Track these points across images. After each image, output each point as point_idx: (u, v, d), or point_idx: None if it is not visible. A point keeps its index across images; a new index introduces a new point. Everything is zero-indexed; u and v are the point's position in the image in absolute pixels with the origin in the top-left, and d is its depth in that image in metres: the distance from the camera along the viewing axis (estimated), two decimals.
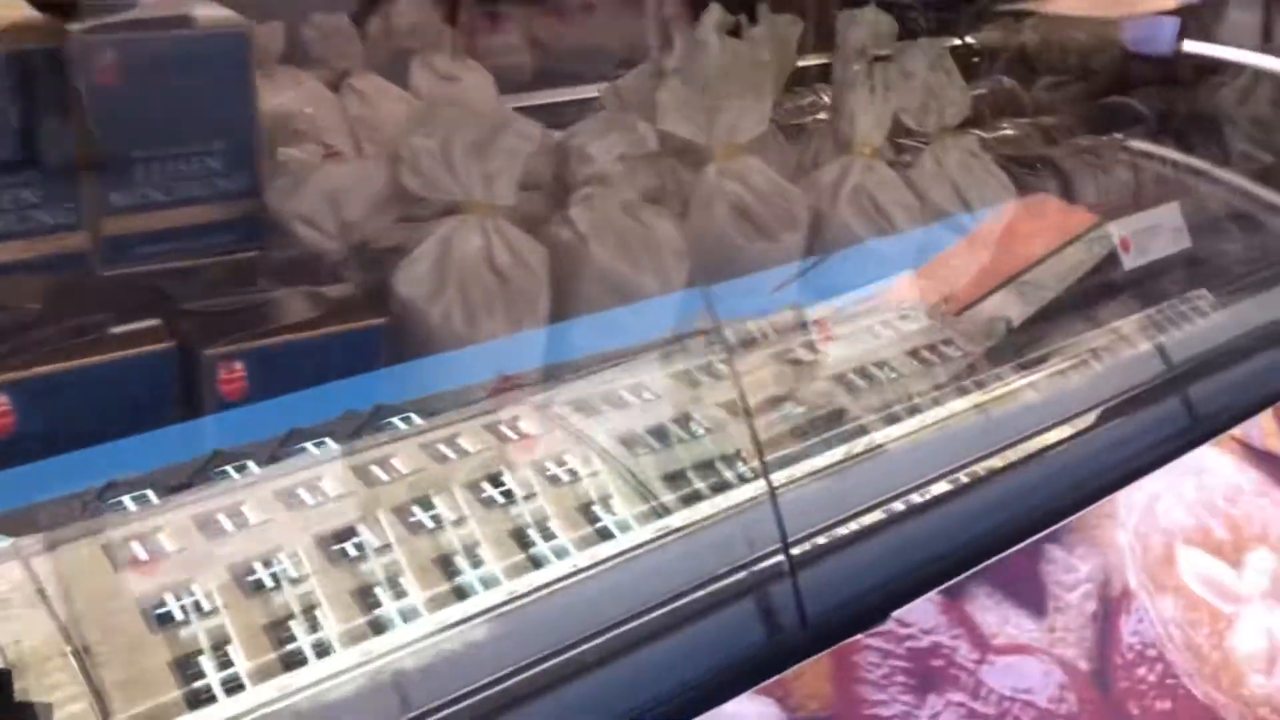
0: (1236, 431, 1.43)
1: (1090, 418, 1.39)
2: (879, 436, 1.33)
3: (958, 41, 2.63)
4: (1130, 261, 1.84)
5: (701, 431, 1.25)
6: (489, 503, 1.09)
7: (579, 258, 1.29)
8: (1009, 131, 2.03)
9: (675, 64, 1.46)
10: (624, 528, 1.11)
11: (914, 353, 1.45)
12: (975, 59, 2.59)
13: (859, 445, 1.30)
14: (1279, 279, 1.92)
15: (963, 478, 1.27)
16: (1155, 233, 1.89)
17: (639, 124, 1.39)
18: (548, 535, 1.07)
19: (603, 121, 1.38)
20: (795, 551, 1.18)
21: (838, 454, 1.28)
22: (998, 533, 1.20)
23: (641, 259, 1.31)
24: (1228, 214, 2.09)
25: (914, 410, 1.32)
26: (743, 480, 1.22)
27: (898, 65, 1.64)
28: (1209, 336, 1.73)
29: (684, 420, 1.27)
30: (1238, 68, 2.15)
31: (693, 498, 1.18)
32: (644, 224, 1.34)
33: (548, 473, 1.15)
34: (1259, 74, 2.10)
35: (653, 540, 1.11)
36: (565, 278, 1.29)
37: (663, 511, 1.14)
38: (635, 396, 1.24)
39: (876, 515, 1.24)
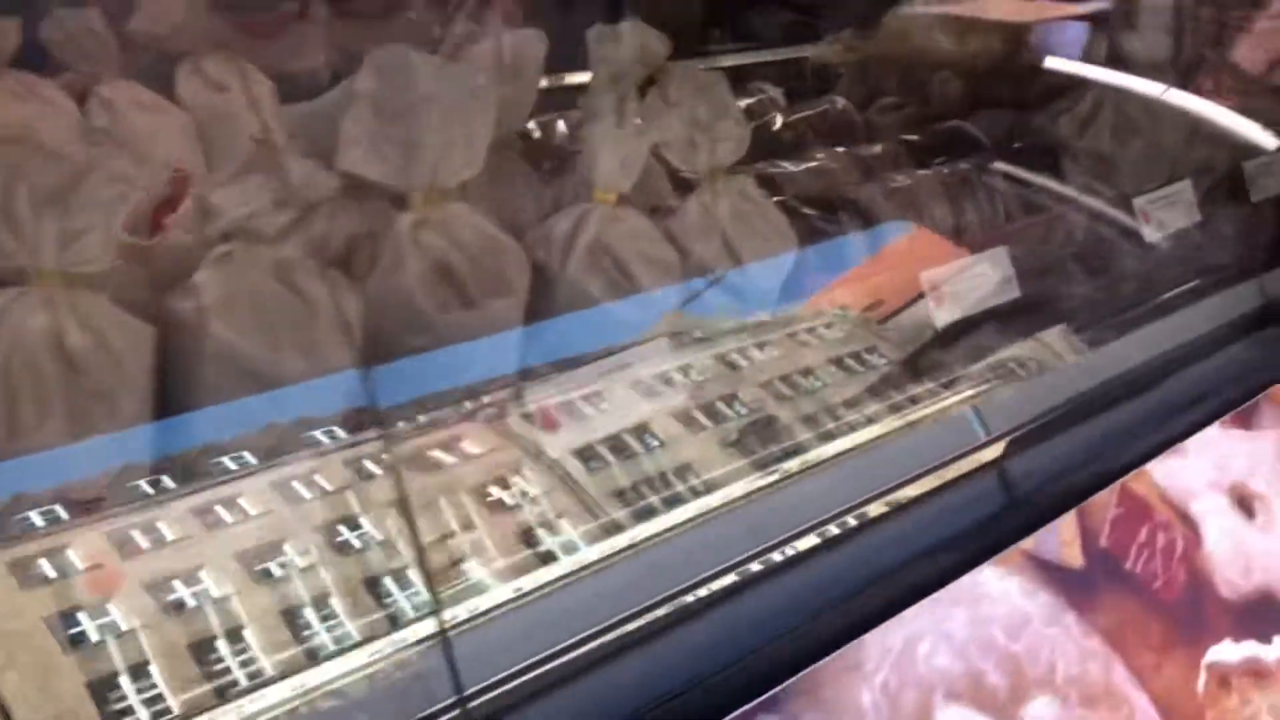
0: (1028, 543, 1.20)
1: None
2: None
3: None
4: (941, 317, 1.62)
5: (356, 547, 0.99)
6: None
7: (198, 335, 1.02)
8: (825, 161, 1.80)
9: (366, 87, 1.20)
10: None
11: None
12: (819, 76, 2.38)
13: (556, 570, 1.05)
14: (1129, 325, 1.72)
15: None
16: (976, 281, 1.67)
17: (300, 164, 1.12)
18: None
19: (245, 164, 1.11)
20: (473, 705, 0.94)
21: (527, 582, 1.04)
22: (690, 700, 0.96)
23: (283, 335, 1.05)
24: (1068, 253, 1.88)
25: (615, 528, 1.08)
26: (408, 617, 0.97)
27: (660, 93, 1.40)
28: (1030, 403, 1.52)
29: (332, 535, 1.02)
30: (1089, 89, 1.93)
31: (345, 641, 0.93)
32: (297, 290, 1.08)
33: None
34: (1103, 98, 1.89)
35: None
36: (181, 360, 1.02)
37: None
38: (238, 512, 0.98)
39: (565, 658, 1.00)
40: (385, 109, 1.19)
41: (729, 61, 2.70)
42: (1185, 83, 2.17)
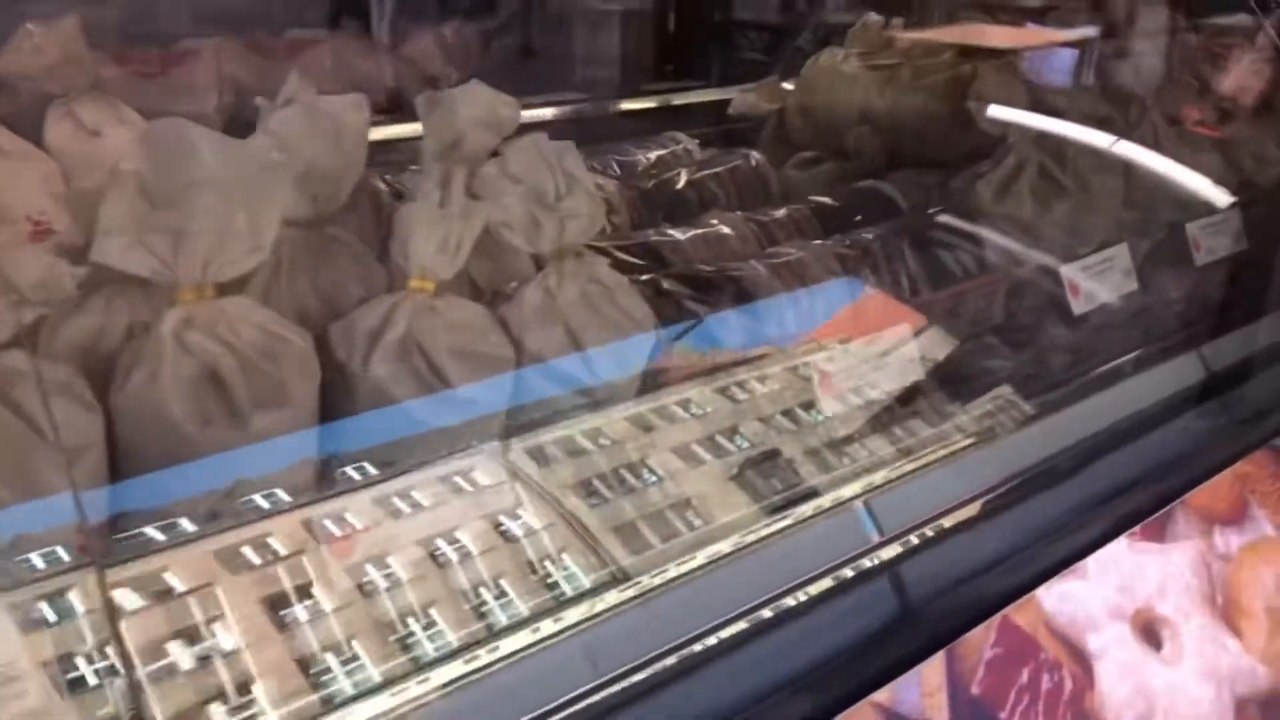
0: (882, 695, 1.04)
1: None
2: None
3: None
4: (829, 406, 1.47)
5: None
6: None
7: None
8: (718, 228, 1.65)
9: (132, 166, 1.05)
10: None
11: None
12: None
13: None
14: (1050, 407, 1.57)
15: None
16: (878, 367, 1.52)
17: (37, 260, 0.98)
18: None
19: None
20: None
21: None
22: None
23: None
24: (984, 329, 1.73)
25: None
26: None
27: (501, 166, 1.25)
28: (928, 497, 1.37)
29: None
30: (1010, 149, 1.78)
31: None
32: (13, 406, 0.93)
33: None
34: (1025, 158, 1.74)
35: None
36: None
37: None
38: None
39: None
40: (154, 191, 1.04)
41: (649, 104, 2.57)
42: (1171, 116, 2.03)
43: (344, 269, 1.26)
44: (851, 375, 1.46)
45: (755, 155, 1.95)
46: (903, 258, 1.61)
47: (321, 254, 1.25)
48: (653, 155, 2.02)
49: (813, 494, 1.30)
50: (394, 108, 2.50)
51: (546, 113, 2.51)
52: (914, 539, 1.33)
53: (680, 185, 1.83)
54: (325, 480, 1.11)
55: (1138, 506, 1.37)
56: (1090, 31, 2.28)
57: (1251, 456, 1.47)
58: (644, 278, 1.41)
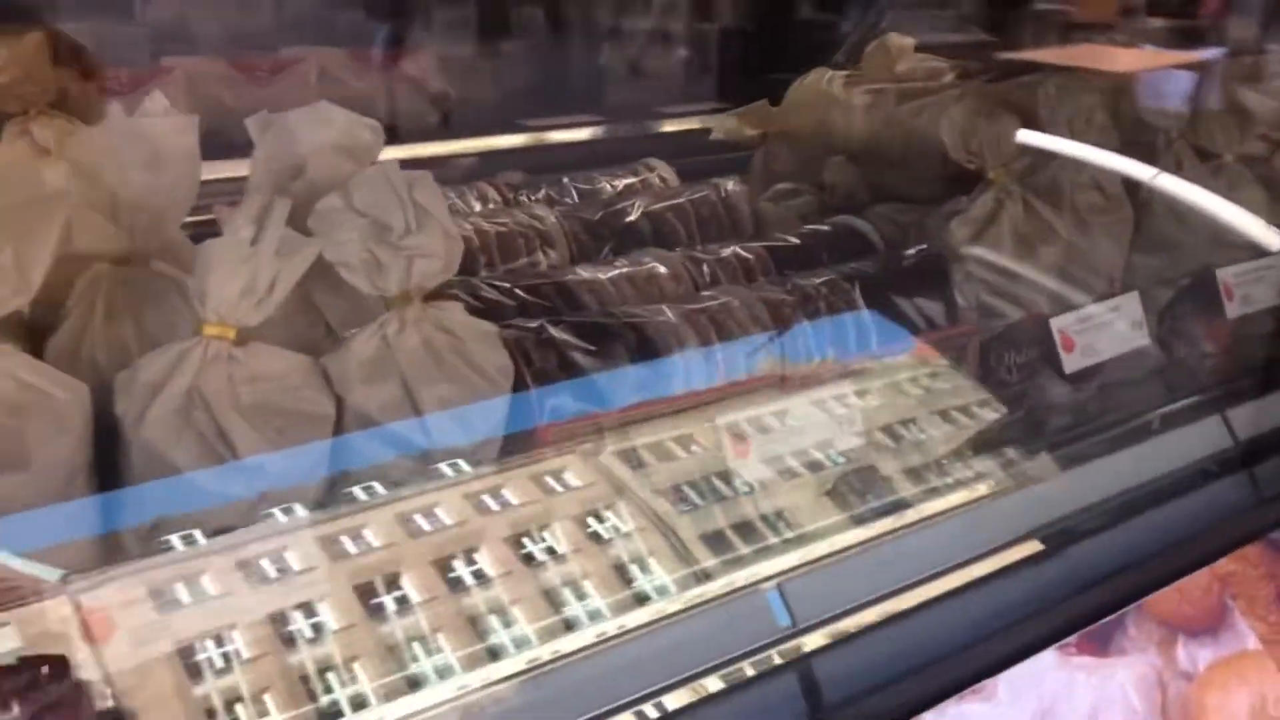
0: None
1: None
2: None
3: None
4: (749, 472, 1.29)
5: None
6: None
7: None
8: (653, 266, 1.49)
9: None
10: None
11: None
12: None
13: None
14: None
15: None
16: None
17: None
18: None
19: None
20: None
21: None
22: None
23: None
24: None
25: None
26: None
27: (344, 199, 1.11)
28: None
29: None
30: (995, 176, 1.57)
31: None
32: None
33: None
34: (1005, 195, 1.53)
35: None
36: None
37: None
38: None
39: None
40: None
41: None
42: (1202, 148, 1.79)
43: (175, 309, 1.13)
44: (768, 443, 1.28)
45: (727, 186, 1.77)
46: (852, 305, 1.43)
47: (147, 293, 1.13)
48: (620, 184, 1.86)
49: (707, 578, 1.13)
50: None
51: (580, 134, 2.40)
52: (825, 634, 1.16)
53: (633, 217, 1.67)
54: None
55: (1087, 609, 1.16)
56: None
57: (1240, 552, 1.24)
58: (532, 324, 1.25)
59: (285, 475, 1.01)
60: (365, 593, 0.96)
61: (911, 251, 1.55)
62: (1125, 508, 1.31)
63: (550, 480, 1.13)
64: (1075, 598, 1.16)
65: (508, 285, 1.37)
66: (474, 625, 0.97)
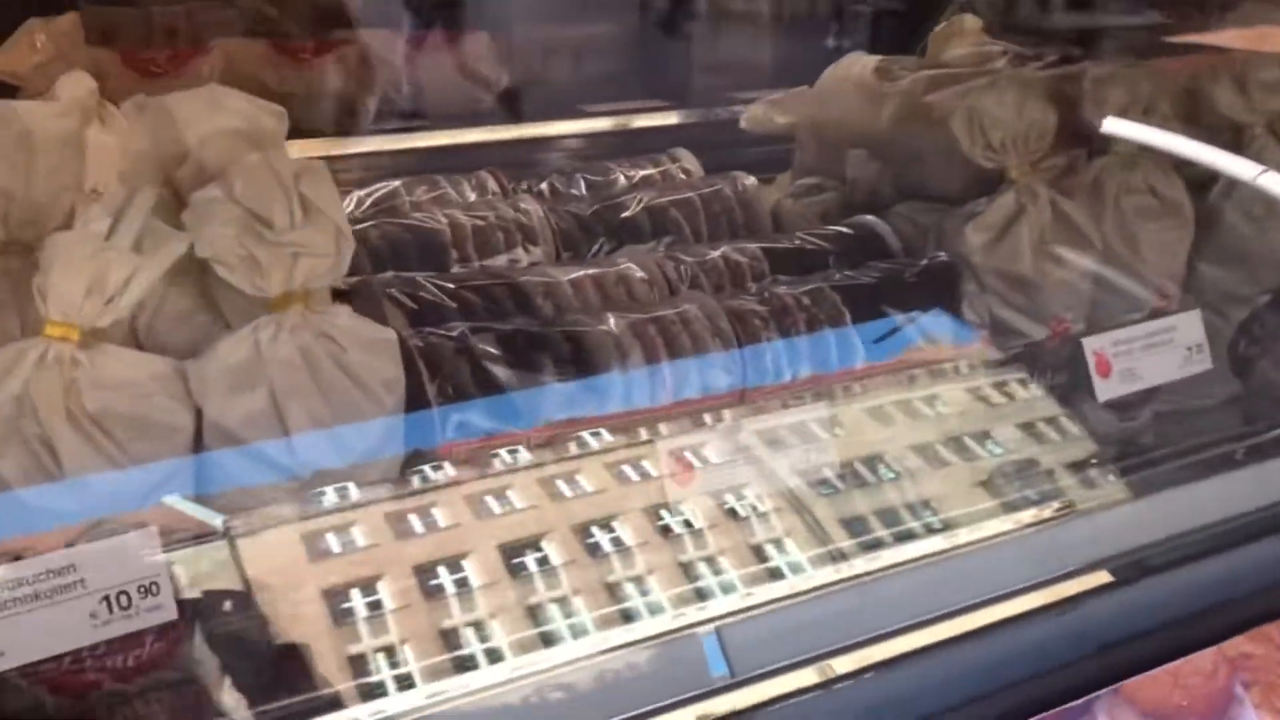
0: None
1: None
2: None
3: None
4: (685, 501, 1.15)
5: None
6: None
7: None
8: (624, 268, 1.35)
9: None
10: None
11: None
12: None
13: None
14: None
15: None
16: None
17: None
18: None
19: None
20: None
21: None
22: None
23: None
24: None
25: None
26: None
27: (225, 189, 1.01)
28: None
29: None
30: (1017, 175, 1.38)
31: None
32: None
33: None
34: (1026, 194, 1.34)
35: None
36: None
37: None
38: None
39: None
40: None
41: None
42: None
43: None
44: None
45: (747, 180, 1.62)
46: (838, 318, 1.27)
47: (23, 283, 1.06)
48: (637, 175, 1.73)
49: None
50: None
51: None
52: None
53: (630, 212, 1.54)
54: None
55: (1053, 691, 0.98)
56: None
57: (1260, 630, 1.04)
58: (452, 331, 1.14)
59: (116, 495, 0.92)
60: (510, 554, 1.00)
61: (921, 260, 1.38)
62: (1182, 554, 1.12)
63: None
64: (1039, 679, 0.99)
65: (452, 286, 1.26)
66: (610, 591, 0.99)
